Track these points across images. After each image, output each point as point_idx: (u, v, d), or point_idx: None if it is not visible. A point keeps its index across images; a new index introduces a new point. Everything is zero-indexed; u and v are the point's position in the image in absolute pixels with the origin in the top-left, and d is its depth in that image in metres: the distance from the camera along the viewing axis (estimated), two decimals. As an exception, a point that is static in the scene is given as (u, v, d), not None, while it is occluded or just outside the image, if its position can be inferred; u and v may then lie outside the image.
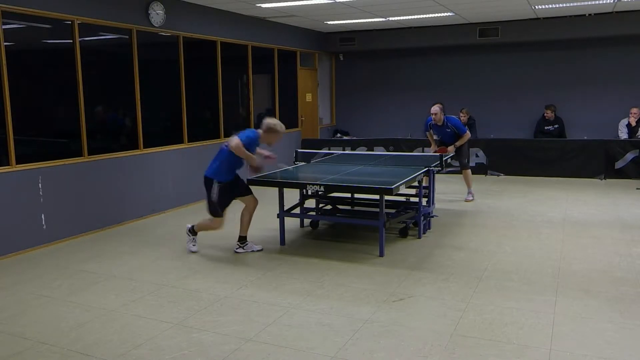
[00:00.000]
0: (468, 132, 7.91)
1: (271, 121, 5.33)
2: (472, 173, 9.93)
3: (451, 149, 7.78)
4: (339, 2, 8.17)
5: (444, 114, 7.78)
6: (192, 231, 5.62)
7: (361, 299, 4.26)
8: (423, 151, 10.05)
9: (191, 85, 8.13)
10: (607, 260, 5.08)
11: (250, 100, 9.61)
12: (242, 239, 5.62)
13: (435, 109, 7.70)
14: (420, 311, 4.01)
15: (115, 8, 6.75)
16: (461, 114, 10.71)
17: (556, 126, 10.51)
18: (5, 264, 5.39)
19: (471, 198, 8.04)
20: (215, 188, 5.26)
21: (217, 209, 5.33)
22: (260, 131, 5.34)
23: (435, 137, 8.00)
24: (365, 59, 12.53)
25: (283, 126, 5.39)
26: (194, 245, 5.62)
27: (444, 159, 6.43)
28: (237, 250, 5.59)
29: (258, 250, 5.61)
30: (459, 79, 11.66)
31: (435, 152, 7.93)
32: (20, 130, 5.75)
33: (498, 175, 10.03)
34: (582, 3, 8.67)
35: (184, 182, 7.92)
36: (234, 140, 5.11)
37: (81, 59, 6.34)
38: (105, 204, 6.70)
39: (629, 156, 9.29)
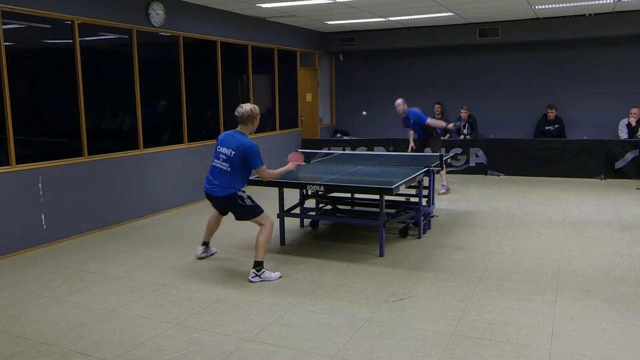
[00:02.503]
0: (429, 119, 8.49)
1: (247, 108, 4.80)
2: (472, 173, 10.11)
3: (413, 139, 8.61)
4: (339, 2, 8.17)
5: (407, 107, 8.48)
6: (258, 264, 4.75)
7: (361, 299, 4.26)
8: (423, 151, 10.05)
9: (191, 85, 8.13)
10: (607, 260, 5.08)
11: (250, 100, 9.60)
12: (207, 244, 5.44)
13: (398, 101, 8.42)
14: (420, 311, 4.01)
15: (115, 8, 6.75)
16: (462, 111, 10.79)
17: (556, 126, 10.51)
18: (5, 264, 5.39)
19: (444, 190, 8.47)
20: (244, 196, 4.81)
21: (257, 208, 4.84)
22: (244, 130, 4.83)
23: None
24: (365, 59, 12.53)
25: (254, 107, 4.87)
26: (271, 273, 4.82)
27: (444, 159, 6.44)
28: (201, 256, 5.39)
29: (213, 254, 5.49)
30: (458, 79, 11.66)
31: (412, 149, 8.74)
32: (20, 130, 5.75)
33: (498, 175, 10.03)
34: (582, 3, 8.67)
35: (184, 182, 7.92)
36: (263, 171, 4.80)
37: (81, 59, 6.34)
38: (105, 204, 6.70)
39: (629, 156, 9.29)
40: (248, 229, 6.53)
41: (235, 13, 8.95)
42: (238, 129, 4.86)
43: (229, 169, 4.74)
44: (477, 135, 11.00)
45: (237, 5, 8.33)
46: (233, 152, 4.71)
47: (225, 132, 4.99)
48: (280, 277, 4.78)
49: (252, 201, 4.84)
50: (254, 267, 4.73)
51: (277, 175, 5.01)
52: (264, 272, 4.73)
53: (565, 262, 5.07)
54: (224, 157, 4.76)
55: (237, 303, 4.25)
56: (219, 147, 4.84)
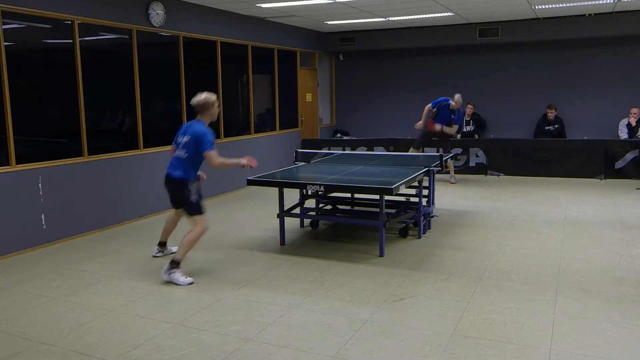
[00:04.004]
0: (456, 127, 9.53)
1: (201, 97, 4.81)
2: (472, 173, 10.15)
3: (438, 128, 9.10)
4: (339, 2, 8.17)
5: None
6: (174, 263, 4.76)
7: (361, 299, 4.26)
8: (423, 151, 10.06)
9: (191, 85, 8.13)
10: (607, 260, 5.08)
11: (250, 100, 9.61)
12: (163, 244, 5.52)
13: (459, 97, 9.09)
14: (420, 311, 4.01)
15: (115, 8, 6.75)
16: (468, 106, 10.87)
17: (556, 126, 10.52)
18: (5, 264, 5.39)
19: (454, 180, 9.42)
20: (194, 186, 4.85)
21: (199, 207, 4.87)
22: (203, 118, 4.83)
23: (432, 119, 9.19)
24: (365, 59, 12.53)
25: (209, 95, 4.85)
26: (183, 277, 4.75)
27: (444, 159, 6.45)
28: (157, 255, 5.48)
29: (172, 253, 5.26)
30: (458, 79, 11.65)
31: (421, 126, 9.31)
32: (20, 130, 5.75)
33: (498, 175, 10.03)
34: (582, 3, 8.67)
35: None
36: (212, 157, 4.71)
37: (81, 59, 6.34)
38: (105, 204, 6.70)
39: (629, 156, 9.29)
40: (247, 228, 6.55)
41: (235, 13, 8.95)
42: (197, 118, 4.87)
43: (186, 155, 4.77)
44: (483, 132, 11.09)
45: (237, 5, 8.33)
46: (188, 138, 4.74)
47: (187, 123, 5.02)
48: (191, 283, 4.67)
49: (198, 198, 4.85)
50: (169, 263, 4.74)
51: (227, 165, 4.89)
52: (175, 272, 4.71)
53: (565, 262, 5.07)
54: (182, 144, 4.80)
55: (237, 303, 4.25)
56: (179, 137, 4.87)
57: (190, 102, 4.91)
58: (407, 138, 10.84)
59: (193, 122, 4.87)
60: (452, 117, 9.11)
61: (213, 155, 4.69)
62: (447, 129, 9.14)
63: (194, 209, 4.83)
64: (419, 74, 12.00)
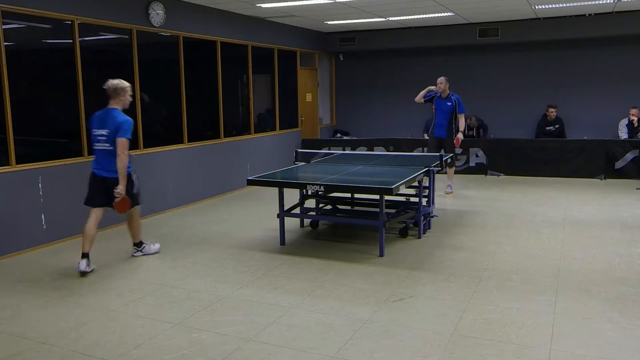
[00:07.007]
0: (463, 115, 8.49)
1: (115, 81, 5.01)
2: (472, 173, 10.15)
3: (460, 136, 8.38)
4: (339, 2, 8.17)
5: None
6: (138, 245, 5.52)
7: (361, 299, 4.26)
8: (423, 151, 10.06)
9: (191, 85, 8.13)
10: (607, 260, 5.08)
11: (250, 100, 9.60)
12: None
13: (442, 79, 8.37)
14: (420, 311, 4.01)
15: (115, 8, 6.75)
16: (472, 119, 10.81)
17: (557, 126, 10.52)
18: (5, 264, 5.39)
19: (450, 190, 8.58)
20: (134, 177, 5.15)
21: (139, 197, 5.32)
22: (116, 105, 4.98)
23: (433, 120, 8.58)
24: (365, 59, 12.53)
25: (122, 81, 5.03)
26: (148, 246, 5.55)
27: (444, 159, 6.45)
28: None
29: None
30: (458, 79, 11.58)
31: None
32: (20, 130, 5.75)
33: (498, 175, 10.03)
34: (582, 3, 8.67)
35: (184, 182, 7.92)
36: (124, 144, 4.86)
37: (81, 59, 6.34)
38: (105, 204, 6.69)
39: (629, 156, 9.29)
40: (247, 228, 6.55)
41: (235, 13, 8.95)
42: (110, 105, 4.98)
43: (111, 148, 4.88)
44: (484, 134, 11.13)
45: (237, 5, 8.33)
46: (112, 129, 4.84)
47: (97, 112, 5.03)
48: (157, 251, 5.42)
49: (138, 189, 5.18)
50: (136, 246, 5.41)
51: (122, 167, 4.92)
52: (144, 246, 5.43)
53: (565, 262, 5.07)
54: (105, 137, 4.88)
55: (237, 303, 4.25)
56: (95, 129, 4.93)
57: (103, 86, 4.95)
58: (408, 138, 10.84)
59: (109, 111, 4.93)
60: (449, 104, 8.30)
61: (124, 144, 4.83)
62: (461, 124, 8.36)
63: (136, 201, 5.19)
64: (419, 74, 11.95)
